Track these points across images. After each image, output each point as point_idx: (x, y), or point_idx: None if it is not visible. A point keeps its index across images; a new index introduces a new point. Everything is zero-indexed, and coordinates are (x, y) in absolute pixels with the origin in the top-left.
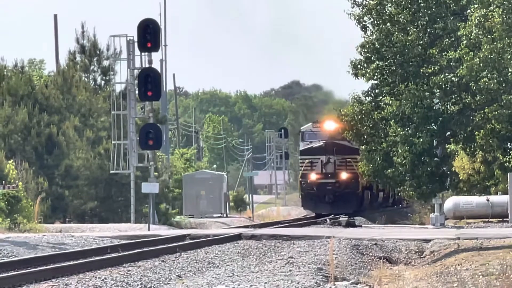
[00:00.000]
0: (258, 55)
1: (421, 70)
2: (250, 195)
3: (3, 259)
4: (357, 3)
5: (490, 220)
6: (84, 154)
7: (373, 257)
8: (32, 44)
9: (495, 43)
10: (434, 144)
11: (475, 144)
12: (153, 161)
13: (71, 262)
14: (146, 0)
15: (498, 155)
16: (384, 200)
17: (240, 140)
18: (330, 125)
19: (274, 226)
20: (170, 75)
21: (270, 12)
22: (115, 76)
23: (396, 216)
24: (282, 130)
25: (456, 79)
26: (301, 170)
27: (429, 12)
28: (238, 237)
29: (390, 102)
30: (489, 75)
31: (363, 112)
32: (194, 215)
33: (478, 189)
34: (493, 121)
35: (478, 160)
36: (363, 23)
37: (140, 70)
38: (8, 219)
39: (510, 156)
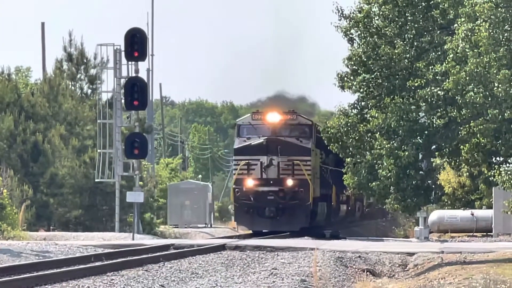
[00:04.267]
0: (245, 67)
1: (407, 84)
2: None
3: None
4: (344, 15)
5: (474, 234)
6: (69, 163)
7: (356, 270)
8: (19, 51)
9: (481, 57)
10: (420, 158)
11: (460, 158)
12: (138, 170)
13: (55, 270)
14: (133, 10)
15: (483, 169)
16: (349, 214)
17: (225, 150)
18: (274, 117)
19: (259, 237)
20: (156, 84)
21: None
22: (102, 84)
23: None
24: None
25: (442, 93)
26: (234, 174)
27: (416, 25)
28: (222, 247)
29: (376, 115)
30: (475, 89)
31: (348, 124)
32: (179, 225)
33: (463, 203)
34: (478, 135)
35: (464, 174)
36: (350, 35)
37: (126, 79)
38: None
39: (495, 170)
